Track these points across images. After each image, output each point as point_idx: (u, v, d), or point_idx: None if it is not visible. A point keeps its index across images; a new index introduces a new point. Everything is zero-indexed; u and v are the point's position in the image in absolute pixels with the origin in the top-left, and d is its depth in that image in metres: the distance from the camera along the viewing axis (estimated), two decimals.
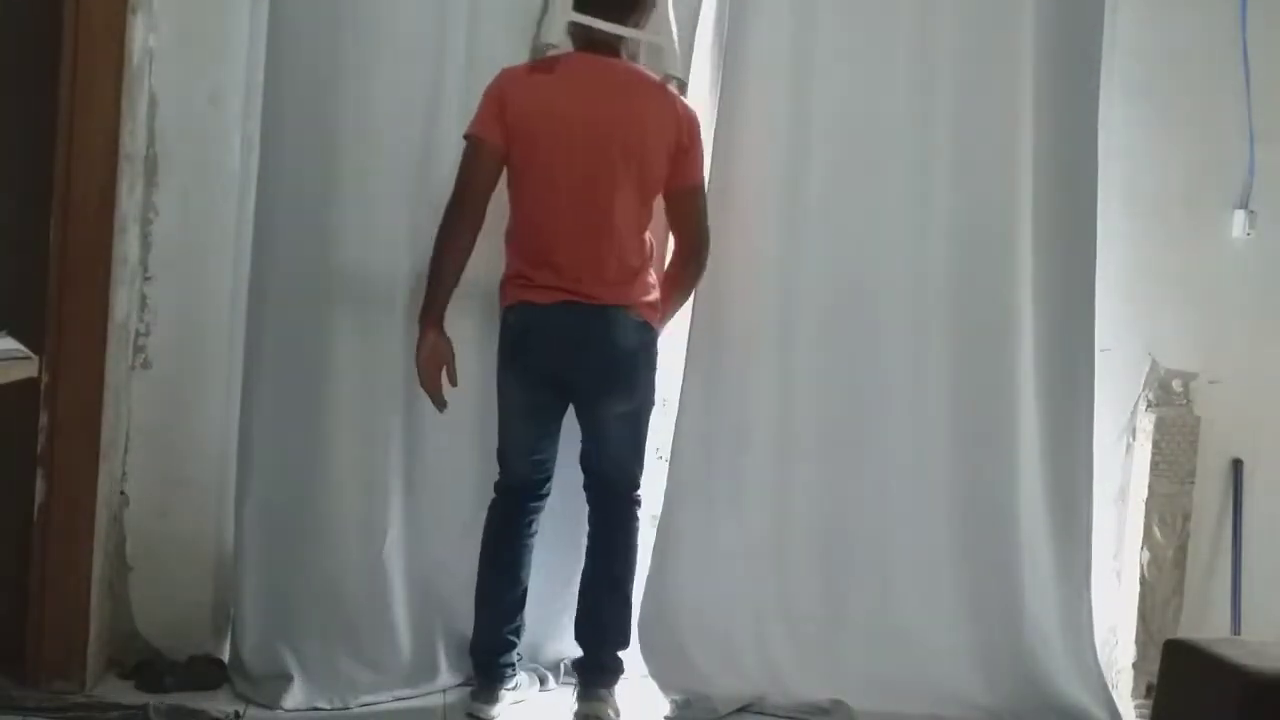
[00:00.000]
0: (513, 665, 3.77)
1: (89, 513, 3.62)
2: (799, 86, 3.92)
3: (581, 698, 3.71)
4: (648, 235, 3.69)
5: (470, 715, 3.69)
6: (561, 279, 3.56)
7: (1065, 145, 4.02)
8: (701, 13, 3.93)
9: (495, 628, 3.73)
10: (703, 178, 3.73)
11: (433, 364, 3.59)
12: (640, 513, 3.77)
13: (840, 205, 3.96)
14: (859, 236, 3.97)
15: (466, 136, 3.60)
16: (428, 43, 3.78)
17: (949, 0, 3.96)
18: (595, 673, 3.73)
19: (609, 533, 3.74)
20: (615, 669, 3.75)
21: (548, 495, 3.77)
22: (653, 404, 3.75)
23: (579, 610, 3.76)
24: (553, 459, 3.74)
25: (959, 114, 3.97)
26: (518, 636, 3.78)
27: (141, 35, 3.66)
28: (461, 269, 3.59)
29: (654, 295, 3.67)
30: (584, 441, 3.72)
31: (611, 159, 3.56)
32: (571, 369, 3.61)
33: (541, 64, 3.62)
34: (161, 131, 3.75)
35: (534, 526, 3.76)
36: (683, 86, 3.73)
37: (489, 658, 3.74)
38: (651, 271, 3.69)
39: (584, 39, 3.65)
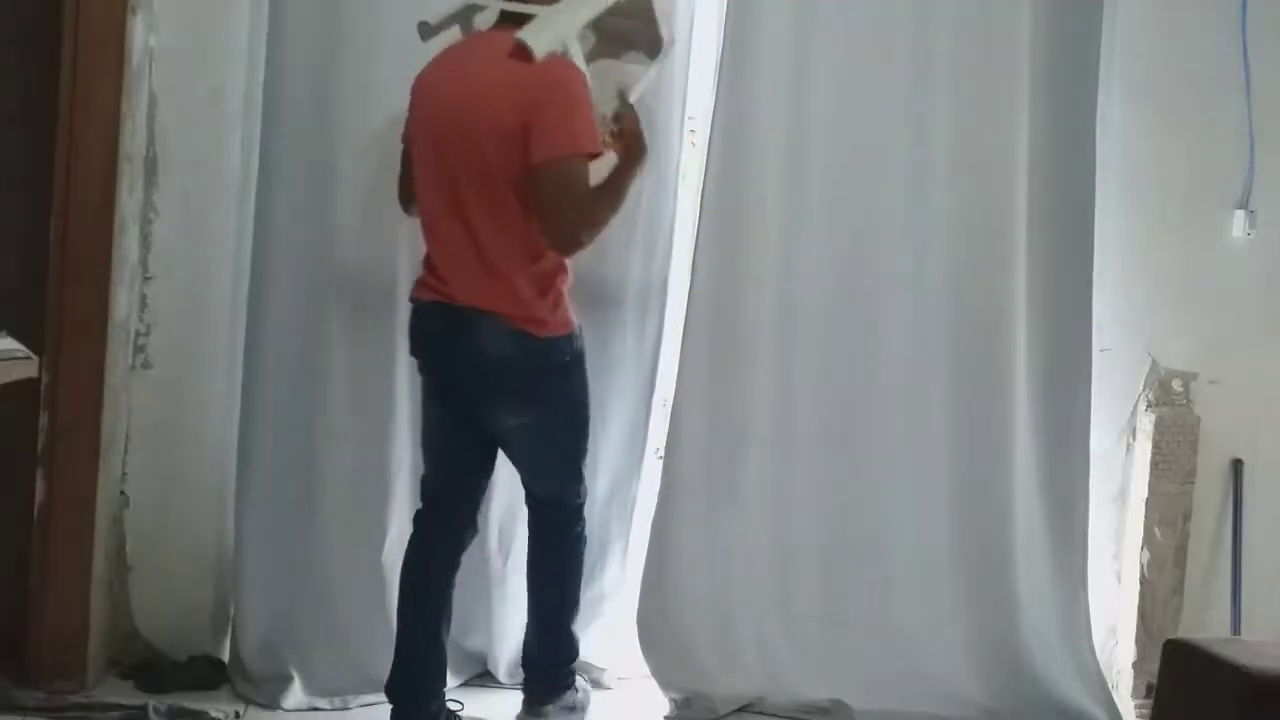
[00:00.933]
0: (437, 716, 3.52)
1: (89, 513, 3.62)
2: (797, 86, 3.92)
3: (522, 713, 3.65)
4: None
5: None
6: (434, 278, 3.38)
7: (1063, 145, 4.02)
8: (702, 13, 3.93)
9: (406, 673, 3.47)
10: (553, 154, 3.18)
11: None
12: (575, 530, 3.59)
13: (838, 205, 3.96)
14: (857, 236, 3.97)
15: None
16: (426, 42, 3.77)
17: (946, 2, 3.96)
18: (531, 690, 3.65)
19: (536, 549, 3.61)
20: (551, 687, 3.63)
21: (472, 533, 3.53)
22: (570, 418, 3.47)
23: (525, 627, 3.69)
24: (474, 487, 3.52)
25: (956, 113, 3.96)
26: (434, 687, 3.51)
27: (141, 35, 3.66)
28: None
29: (540, 307, 3.30)
30: None
31: (460, 152, 3.26)
32: (446, 371, 3.44)
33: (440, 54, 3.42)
34: (161, 131, 3.75)
35: (453, 566, 3.49)
36: (528, 51, 3.19)
37: (402, 707, 3.47)
38: (555, 279, 3.33)
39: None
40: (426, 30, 3.44)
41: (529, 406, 3.40)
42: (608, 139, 3.37)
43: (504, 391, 3.39)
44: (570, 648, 3.67)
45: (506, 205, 3.25)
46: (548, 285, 3.33)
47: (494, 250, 3.28)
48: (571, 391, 3.46)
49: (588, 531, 3.68)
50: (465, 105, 3.26)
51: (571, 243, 3.27)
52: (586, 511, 3.67)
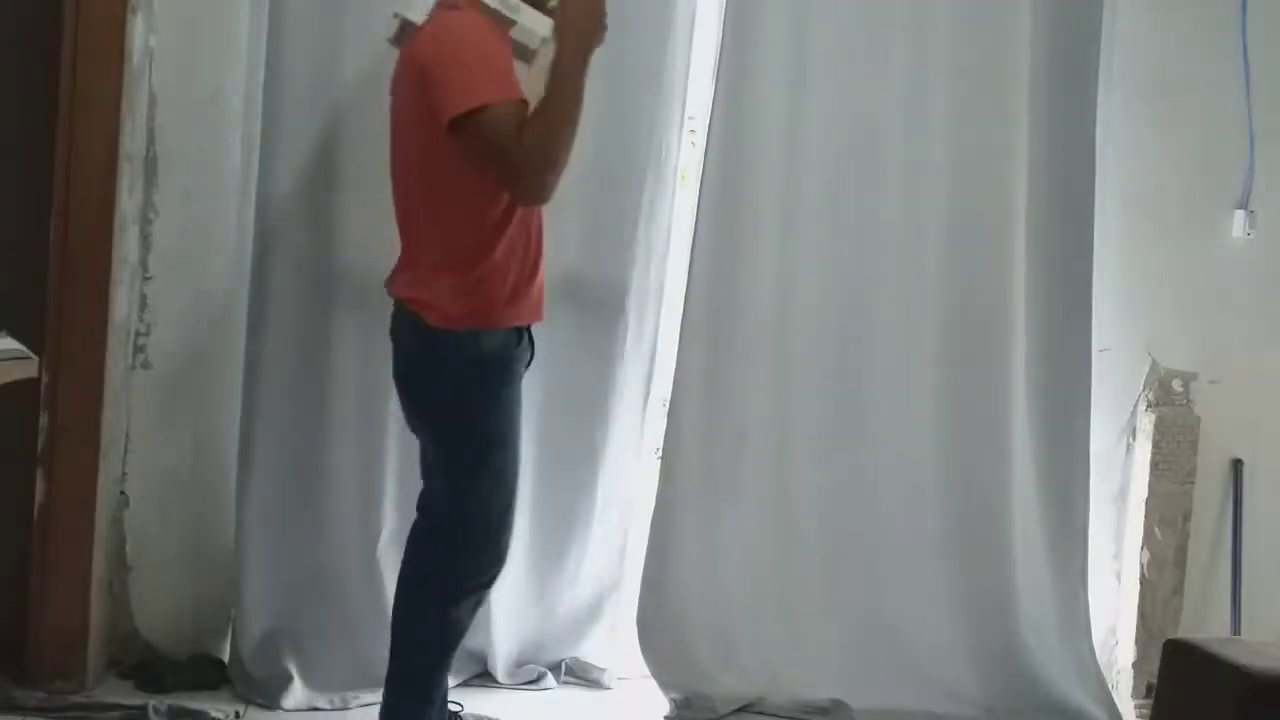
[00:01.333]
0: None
1: (89, 513, 3.62)
2: (796, 88, 3.92)
3: None
4: (456, 224, 3.09)
5: None
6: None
7: (1062, 145, 4.02)
8: (702, 13, 3.93)
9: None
10: (455, 114, 2.94)
11: None
12: (443, 551, 3.21)
13: (837, 205, 3.96)
14: (855, 235, 3.97)
15: None
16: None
17: (946, 2, 3.96)
18: None
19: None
20: None
21: None
22: (456, 427, 3.16)
23: None
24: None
25: (956, 113, 3.97)
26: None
27: (141, 35, 3.66)
28: None
29: (439, 293, 3.08)
30: None
31: (392, 140, 3.22)
32: None
33: None
34: (161, 131, 3.75)
35: None
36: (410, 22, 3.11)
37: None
38: (475, 269, 3.07)
39: None
40: (389, 42, 3.31)
41: (417, 403, 3.21)
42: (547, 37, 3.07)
43: (403, 381, 3.24)
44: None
45: (412, 184, 3.15)
46: (465, 272, 3.08)
47: (406, 234, 3.21)
48: (469, 401, 3.12)
49: (588, 534, 3.68)
50: (395, 90, 3.22)
51: (528, 190, 3.00)
52: (567, 511, 3.65)
